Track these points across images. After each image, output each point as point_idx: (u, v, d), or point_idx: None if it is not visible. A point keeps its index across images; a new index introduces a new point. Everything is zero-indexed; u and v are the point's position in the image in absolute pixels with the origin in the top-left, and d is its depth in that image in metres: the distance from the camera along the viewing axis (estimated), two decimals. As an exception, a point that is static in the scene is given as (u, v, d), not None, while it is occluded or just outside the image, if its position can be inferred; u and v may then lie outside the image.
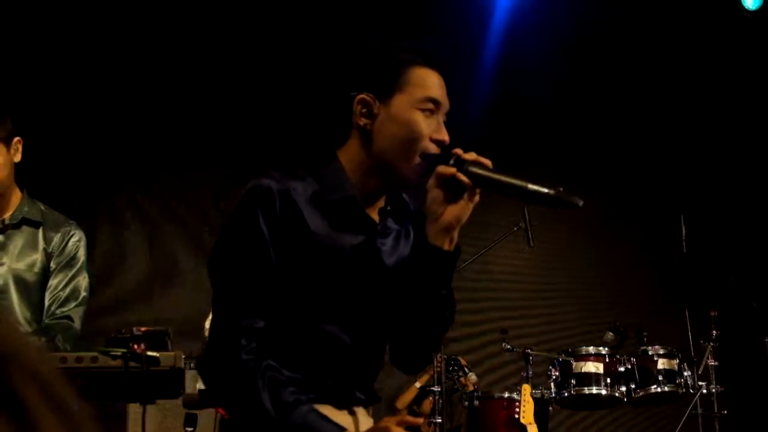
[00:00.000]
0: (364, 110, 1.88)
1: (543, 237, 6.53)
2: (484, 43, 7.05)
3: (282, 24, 6.65)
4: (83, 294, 3.26)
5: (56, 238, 3.25)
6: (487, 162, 1.84)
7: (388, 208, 1.98)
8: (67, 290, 3.21)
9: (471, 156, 1.84)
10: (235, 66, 6.59)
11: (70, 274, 3.24)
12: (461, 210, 1.85)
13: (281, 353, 1.80)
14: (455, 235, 1.88)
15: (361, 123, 1.88)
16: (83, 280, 3.28)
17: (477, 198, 1.85)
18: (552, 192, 1.74)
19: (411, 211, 2.03)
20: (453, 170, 1.82)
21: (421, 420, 1.86)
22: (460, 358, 5.92)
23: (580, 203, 1.72)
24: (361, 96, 1.88)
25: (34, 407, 0.67)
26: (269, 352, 1.77)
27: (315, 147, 1.99)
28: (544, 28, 7.06)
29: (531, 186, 1.76)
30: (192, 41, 6.46)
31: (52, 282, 3.21)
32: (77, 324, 3.22)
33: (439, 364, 5.71)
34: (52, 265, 3.22)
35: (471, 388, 5.79)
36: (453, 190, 1.84)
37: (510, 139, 7.23)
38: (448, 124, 1.92)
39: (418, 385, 6.10)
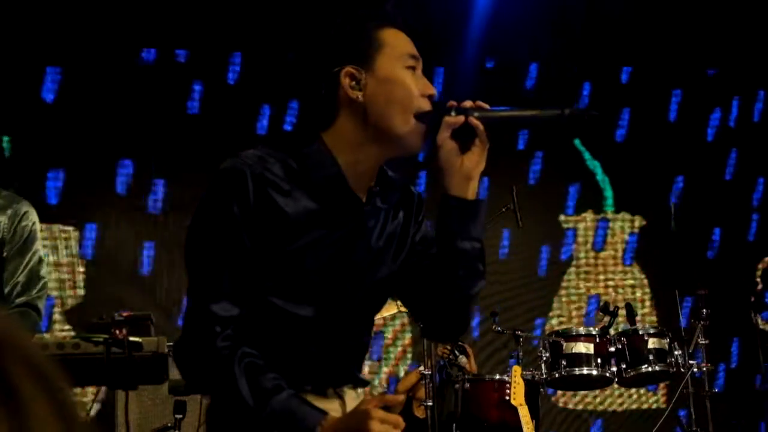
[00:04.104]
0: (352, 82, 1.81)
1: (532, 217, 6.50)
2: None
3: (257, 13, 6.59)
4: (43, 278, 3.07)
5: (5, 222, 3.02)
6: (486, 105, 1.85)
7: (377, 188, 1.90)
8: (25, 276, 3.02)
9: (468, 103, 1.84)
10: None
11: (25, 259, 3.03)
12: (478, 156, 1.85)
13: (259, 339, 1.74)
14: (476, 184, 1.88)
15: (353, 96, 1.81)
16: (41, 264, 3.07)
17: (488, 143, 1.86)
18: (567, 111, 1.78)
19: (400, 188, 1.96)
20: (462, 118, 1.82)
21: (401, 398, 1.82)
22: (465, 345, 5.89)
23: (596, 113, 1.78)
24: (347, 69, 1.81)
25: (25, 391, 0.67)
26: (246, 338, 1.72)
27: (299, 132, 1.94)
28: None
29: (543, 112, 1.81)
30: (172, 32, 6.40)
31: (8, 269, 3.00)
32: (41, 311, 3.03)
33: (445, 350, 5.68)
34: (5, 251, 3.01)
35: (476, 370, 5.75)
36: (464, 139, 1.84)
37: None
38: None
39: (421, 368, 6.09)
